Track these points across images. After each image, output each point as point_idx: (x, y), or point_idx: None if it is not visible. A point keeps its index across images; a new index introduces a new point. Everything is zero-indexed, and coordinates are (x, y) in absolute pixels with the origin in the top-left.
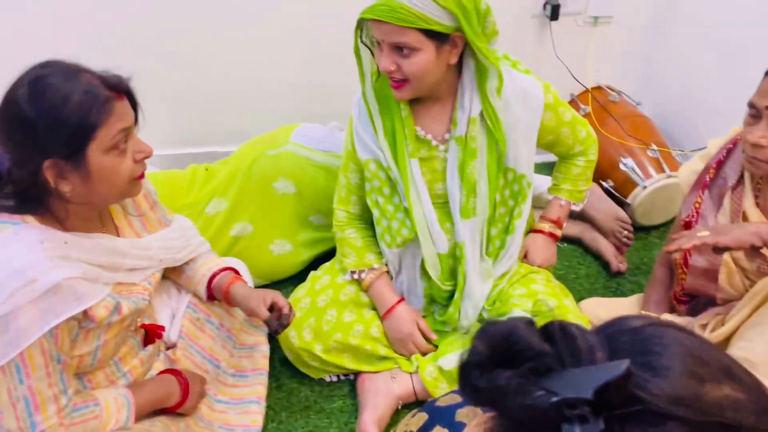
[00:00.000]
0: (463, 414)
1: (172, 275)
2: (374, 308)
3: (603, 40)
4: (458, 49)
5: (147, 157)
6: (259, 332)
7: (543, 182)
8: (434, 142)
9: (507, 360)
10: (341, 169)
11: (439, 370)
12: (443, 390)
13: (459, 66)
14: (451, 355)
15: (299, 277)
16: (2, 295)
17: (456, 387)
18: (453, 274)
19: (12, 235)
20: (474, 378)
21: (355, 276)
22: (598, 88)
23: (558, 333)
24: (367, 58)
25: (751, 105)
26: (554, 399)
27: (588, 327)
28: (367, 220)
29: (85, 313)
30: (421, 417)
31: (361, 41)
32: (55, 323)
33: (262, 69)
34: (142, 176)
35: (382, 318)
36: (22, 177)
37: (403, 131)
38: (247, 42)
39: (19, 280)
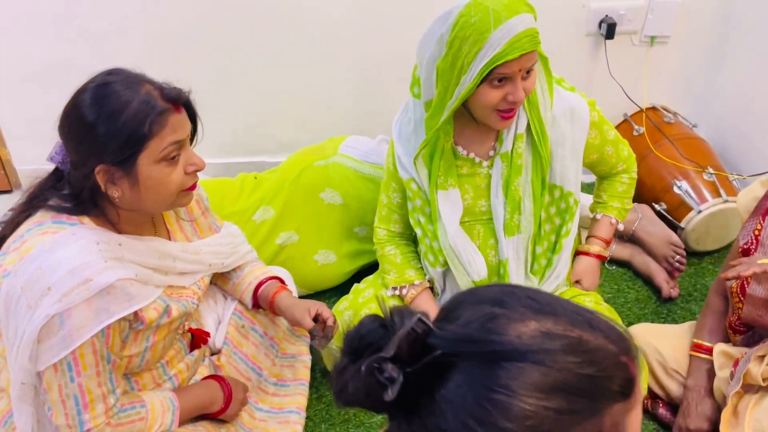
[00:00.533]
0: None
1: (218, 282)
2: None
3: (659, 60)
4: None
5: (198, 170)
6: (302, 342)
7: (585, 201)
8: (477, 159)
9: (359, 354)
10: (382, 188)
11: None
12: None
13: None
14: None
15: (342, 288)
16: (58, 293)
17: None
18: None
19: (69, 236)
20: (335, 382)
21: (397, 292)
22: (653, 108)
23: (392, 317)
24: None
25: None
26: (362, 366)
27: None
28: (408, 238)
29: (136, 314)
30: None
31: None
32: (107, 323)
33: (313, 82)
34: (192, 188)
35: None
36: (77, 178)
37: (439, 161)
38: (299, 56)
39: (75, 280)
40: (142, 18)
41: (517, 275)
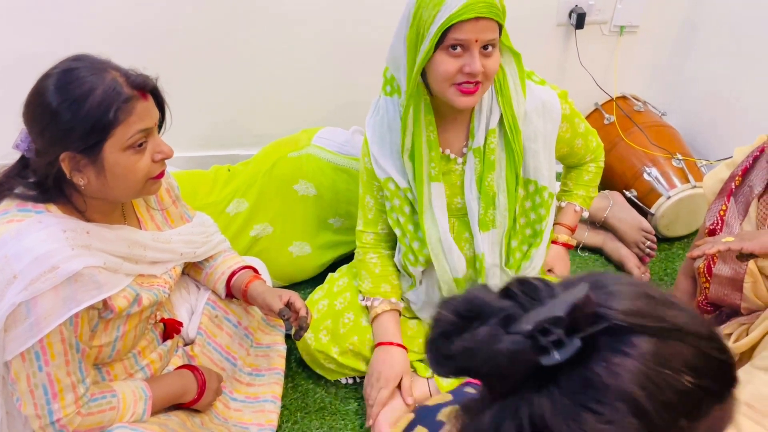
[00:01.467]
0: (445, 413)
1: (191, 272)
2: None
3: (629, 50)
4: None
5: (166, 158)
6: (276, 332)
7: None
8: (452, 156)
9: (472, 321)
10: (365, 190)
11: (437, 382)
12: None
13: None
14: None
15: (317, 280)
16: (24, 281)
17: None
18: None
19: (35, 224)
20: (444, 347)
21: (365, 303)
22: (623, 97)
23: (516, 286)
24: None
25: None
26: (527, 328)
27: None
28: (393, 243)
29: (105, 302)
30: (409, 417)
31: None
32: (75, 311)
33: (286, 75)
34: (160, 176)
35: (375, 345)
36: (41, 166)
37: (425, 154)
38: (272, 48)
39: (41, 267)
40: (117, 12)
41: (492, 269)
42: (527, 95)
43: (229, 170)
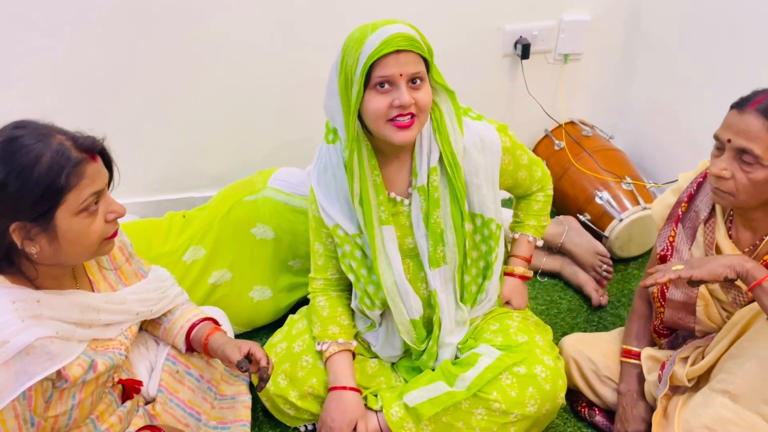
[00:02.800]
0: None
1: (149, 328)
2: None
3: (573, 77)
4: None
5: (119, 217)
6: (240, 382)
7: (507, 216)
8: (399, 198)
9: None
10: (314, 237)
11: (404, 408)
12: (410, 431)
13: None
14: (417, 391)
15: (280, 323)
16: None
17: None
18: (429, 326)
19: None
20: None
21: (319, 348)
22: (571, 123)
23: None
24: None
25: (716, 137)
26: None
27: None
28: (346, 286)
29: (58, 372)
30: None
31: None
32: (28, 385)
33: (238, 115)
34: (114, 235)
35: (329, 390)
36: None
37: (373, 198)
38: (223, 89)
39: None
40: (61, 56)
41: (447, 305)
42: (465, 131)
43: (184, 216)
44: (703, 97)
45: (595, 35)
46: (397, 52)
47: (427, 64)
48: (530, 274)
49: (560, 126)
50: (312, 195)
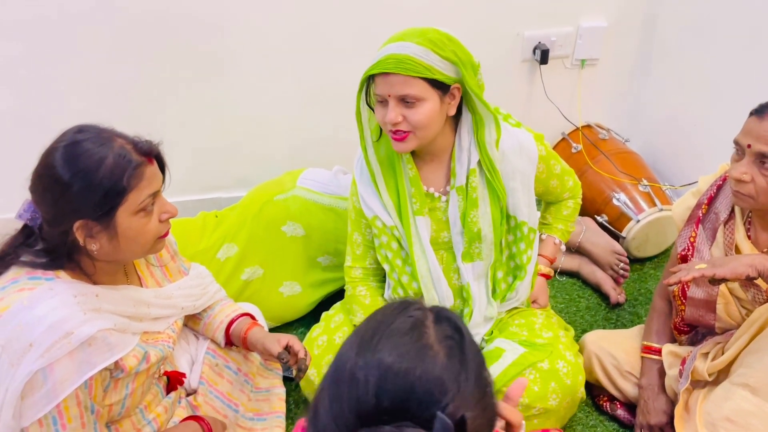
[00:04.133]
0: None
1: (189, 323)
2: None
3: (590, 81)
4: (456, 100)
5: (172, 217)
6: (274, 375)
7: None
8: (437, 194)
9: None
10: (353, 227)
11: None
12: None
13: (455, 120)
14: None
15: (308, 319)
16: (40, 349)
17: None
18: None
19: (47, 291)
20: None
21: None
22: (588, 126)
23: None
24: (366, 118)
25: (736, 143)
26: None
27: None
28: (382, 277)
29: (116, 363)
30: None
31: (366, 103)
32: (90, 374)
33: (263, 117)
34: (166, 234)
35: None
36: (53, 235)
37: (407, 190)
38: (247, 92)
39: (56, 334)
40: (93, 65)
41: (479, 299)
42: (504, 135)
43: (216, 216)
44: (716, 102)
45: (611, 41)
46: (386, 74)
47: (436, 81)
48: (551, 273)
49: (577, 129)
50: (354, 187)
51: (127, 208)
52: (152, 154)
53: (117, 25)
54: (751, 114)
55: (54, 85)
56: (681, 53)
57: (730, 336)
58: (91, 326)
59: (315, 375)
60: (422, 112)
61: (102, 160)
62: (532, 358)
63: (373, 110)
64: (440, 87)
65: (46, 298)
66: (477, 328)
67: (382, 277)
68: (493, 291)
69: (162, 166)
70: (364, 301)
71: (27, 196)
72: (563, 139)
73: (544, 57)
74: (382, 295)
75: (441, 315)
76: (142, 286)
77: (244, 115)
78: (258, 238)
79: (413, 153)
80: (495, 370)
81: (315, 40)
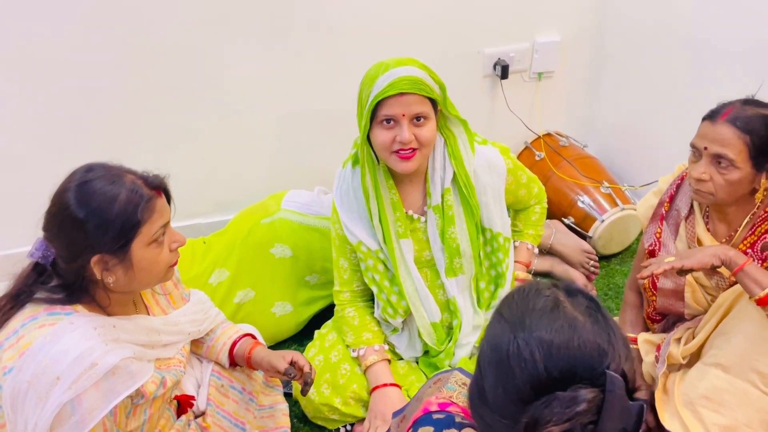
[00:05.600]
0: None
1: (192, 347)
2: None
3: (548, 93)
4: (436, 119)
5: (181, 246)
6: (275, 392)
7: None
8: (416, 216)
9: None
10: (338, 254)
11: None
12: None
13: None
14: None
15: (299, 336)
16: (67, 381)
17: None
18: (449, 331)
19: (67, 325)
20: None
21: (355, 354)
22: (549, 134)
23: None
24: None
25: (693, 146)
26: None
27: None
28: (369, 297)
29: (137, 389)
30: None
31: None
32: (116, 402)
33: (241, 142)
34: (176, 263)
35: (372, 390)
36: (69, 271)
37: (389, 215)
38: (224, 118)
39: (82, 366)
40: (70, 92)
41: (465, 310)
42: (476, 153)
43: (204, 242)
44: (664, 107)
45: (565, 54)
46: (401, 94)
47: (434, 101)
48: (529, 278)
49: (539, 138)
50: (335, 215)
51: (142, 240)
52: (161, 187)
53: (92, 53)
54: (704, 119)
55: (31, 116)
56: (629, 63)
57: (699, 321)
58: (114, 356)
59: (314, 394)
60: (430, 129)
61: (115, 196)
62: None
63: (366, 136)
64: (435, 106)
65: (67, 332)
66: (467, 338)
67: (369, 297)
68: (478, 301)
69: (168, 198)
70: (353, 322)
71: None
72: (526, 147)
73: (504, 72)
74: (371, 314)
75: (570, 289)
76: (149, 314)
77: (220, 141)
78: (248, 261)
79: (394, 178)
80: None
81: (291, 67)
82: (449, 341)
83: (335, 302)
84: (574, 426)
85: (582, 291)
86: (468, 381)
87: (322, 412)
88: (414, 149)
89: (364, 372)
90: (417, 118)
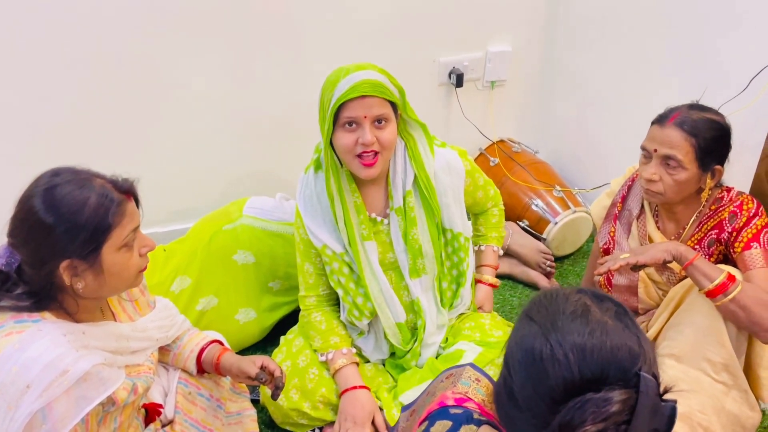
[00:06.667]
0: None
1: (158, 354)
2: None
3: (501, 100)
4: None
5: (150, 250)
6: (242, 398)
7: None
8: (379, 219)
9: None
10: (303, 258)
11: (401, 407)
12: None
13: None
14: (411, 391)
15: (262, 343)
16: (38, 389)
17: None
18: (413, 332)
19: (36, 332)
20: None
21: (323, 358)
22: (502, 141)
23: None
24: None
25: (643, 148)
26: None
27: None
28: (335, 301)
29: (109, 396)
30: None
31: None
32: (88, 410)
33: (197, 152)
34: (145, 267)
35: (341, 393)
36: (37, 277)
37: (353, 218)
38: (181, 127)
39: (53, 373)
40: (24, 100)
41: (429, 310)
42: (435, 156)
43: (164, 250)
44: (610, 113)
45: (516, 64)
46: (363, 97)
47: (395, 105)
48: (498, 283)
49: (493, 144)
50: (299, 220)
51: (112, 245)
52: (131, 192)
53: (46, 61)
54: (653, 123)
55: None
56: (577, 73)
57: (652, 315)
58: (86, 362)
59: (283, 399)
60: (391, 131)
61: (85, 200)
62: (490, 355)
63: (329, 140)
64: (395, 110)
65: (36, 339)
66: (432, 338)
67: (335, 301)
68: (441, 301)
69: (137, 202)
70: (320, 326)
71: None
72: (481, 154)
73: (459, 80)
74: (338, 318)
75: (597, 295)
76: (116, 321)
77: (176, 149)
78: (210, 268)
79: (357, 181)
80: None
81: (248, 74)
82: (414, 341)
83: (301, 307)
84: (608, 426)
85: (609, 297)
86: (480, 377)
87: (291, 417)
88: (376, 152)
89: (333, 376)
90: (378, 121)
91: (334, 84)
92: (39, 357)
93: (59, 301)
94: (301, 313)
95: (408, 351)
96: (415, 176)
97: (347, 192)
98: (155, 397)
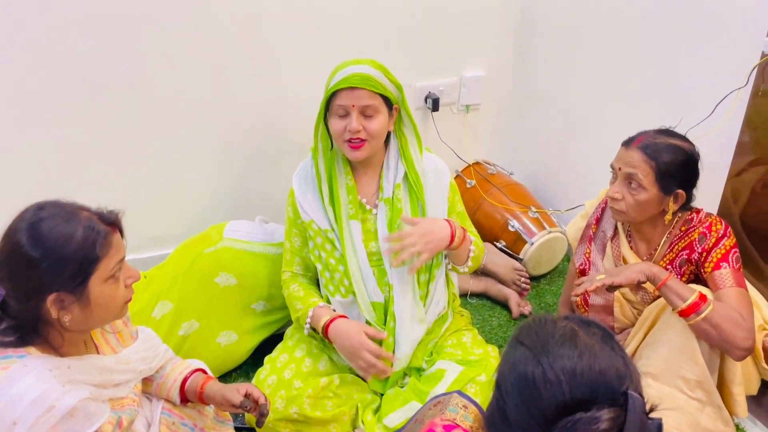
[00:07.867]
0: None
1: (141, 385)
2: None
3: (475, 124)
4: (394, 119)
5: (136, 281)
6: (227, 427)
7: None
8: (368, 206)
9: None
10: (286, 237)
11: (386, 430)
12: None
13: (386, 141)
14: (395, 414)
15: (245, 367)
16: (25, 425)
17: None
18: (386, 320)
19: (21, 368)
20: None
21: (307, 326)
22: (478, 163)
23: None
24: (320, 132)
25: (611, 167)
26: None
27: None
28: (310, 278)
29: (95, 431)
30: None
31: (325, 115)
32: None
33: (175, 176)
34: (131, 299)
35: (326, 334)
36: (23, 311)
37: (343, 198)
38: (158, 150)
39: (39, 409)
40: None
41: (403, 299)
42: (425, 158)
43: (145, 277)
44: (583, 137)
45: (489, 88)
46: (352, 88)
47: (389, 99)
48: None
49: (469, 166)
50: (291, 197)
51: (99, 277)
52: (117, 224)
53: (21, 86)
54: (622, 144)
55: None
56: (548, 95)
57: (628, 334)
58: (72, 397)
59: (270, 413)
60: (379, 122)
61: (72, 233)
62: (471, 373)
63: (326, 126)
64: (389, 104)
65: (22, 376)
66: (406, 330)
67: (310, 276)
68: (418, 294)
69: (122, 233)
70: (298, 294)
71: None
72: (458, 176)
73: (435, 105)
74: (315, 287)
75: (582, 320)
76: (99, 354)
77: (154, 175)
78: (191, 292)
79: (351, 166)
80: (440, 388)
81: (223, 99)
82: (391, 325)
83: (281, 284)
84: None
85: (594, 322)
86: (468, 404)
87: (278, 430)
88: (363, 140)
89: (325, 330)
90: (366, 111)
91: (332, 75)
92: (25, 393)
93: (44, 335)
94: (282, 290)
95: (382, 342)
96: (406, 173)
97: (341, 173)
98: (138, 428)
